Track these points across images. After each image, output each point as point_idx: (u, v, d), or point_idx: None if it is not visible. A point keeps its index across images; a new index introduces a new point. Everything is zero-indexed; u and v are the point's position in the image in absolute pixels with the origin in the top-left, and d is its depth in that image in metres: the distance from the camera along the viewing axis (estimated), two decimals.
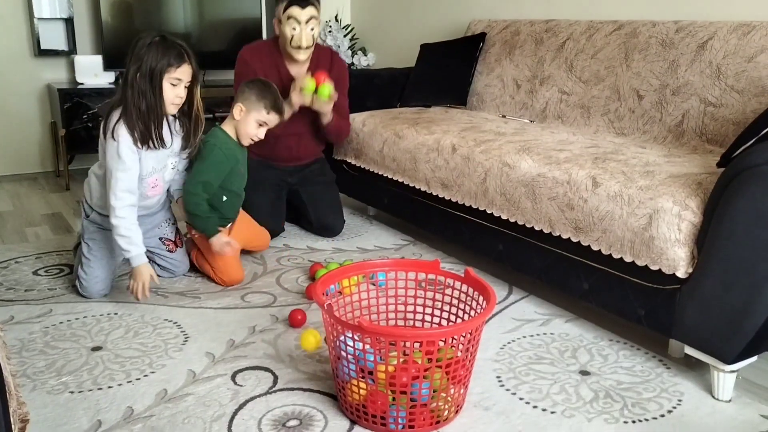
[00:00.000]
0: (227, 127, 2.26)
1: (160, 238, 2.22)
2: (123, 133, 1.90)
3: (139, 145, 1.93)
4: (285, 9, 2.48)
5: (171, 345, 1.82)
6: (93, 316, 1.99)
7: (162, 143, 1.98)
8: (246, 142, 2.28)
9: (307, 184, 2.76)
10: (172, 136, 2.06)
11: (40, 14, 3.55)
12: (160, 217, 2.23)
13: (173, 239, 2.25)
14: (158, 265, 2.23)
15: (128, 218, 1.96)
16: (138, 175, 1.97)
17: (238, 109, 2.22)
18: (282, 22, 2.51)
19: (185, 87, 1.95)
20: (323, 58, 2.68)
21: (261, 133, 2.26)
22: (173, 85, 1.92)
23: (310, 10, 2.47)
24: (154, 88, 1.89)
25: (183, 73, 1.92)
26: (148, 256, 2.05)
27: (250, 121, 2.22)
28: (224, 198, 2.25)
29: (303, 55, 2.54)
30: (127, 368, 1.69)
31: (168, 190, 2.22)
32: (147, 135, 1.93)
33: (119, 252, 2.01)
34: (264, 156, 2.64)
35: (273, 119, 2.25)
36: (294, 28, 2.48)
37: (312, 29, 2.51)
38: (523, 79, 2.87)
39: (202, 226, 2.19)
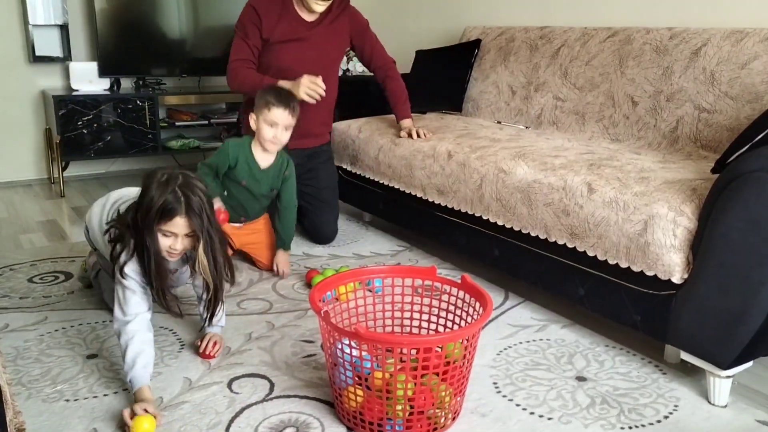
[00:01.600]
0: (254, 138, 2.31)
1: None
2: (134, 269, 1.63)
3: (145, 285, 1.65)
4: None
5: (167, 352, 1.81)
6: (88, 324, 1.98)
7: (164, 298, 1.66)
8: (270, 148, 2.27)
9: (312, 180, 2.68)
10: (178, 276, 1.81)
11: (35, 21, 3.54)
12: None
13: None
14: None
15: (136, 341, 1.59)
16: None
17: (252, 120, 2.26)
18: None
19: (185, 236, 1.60)
20: (334, 9, 2.63)
21: (279, 134, 2.23)
22: (166, 236, 1.60)
23: None
24: (153, 241, 1.59)
25: (176, 226, 1.58)
26: None
27: (262, 126, 2.24)
28: (225, 193, 2.31)
29: (320, 7, 2.52)
30: (122, 376, 1.68)
31: None
32: (152, 285, 1.64)
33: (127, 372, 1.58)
34: None
35: (280, 114, 2.20)
36: None
37: None
38: (518, 85, 2.88)
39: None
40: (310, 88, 2.41)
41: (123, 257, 1.62)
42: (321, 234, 2.73)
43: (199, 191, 1.59)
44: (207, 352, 1.77)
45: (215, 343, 1.80)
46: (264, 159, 2.31)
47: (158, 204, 1.55)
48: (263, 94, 2.24)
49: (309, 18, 2.60)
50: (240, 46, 2.55)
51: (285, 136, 2.26)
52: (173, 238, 1.60)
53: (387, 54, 2.83)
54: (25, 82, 3.68)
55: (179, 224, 1.58)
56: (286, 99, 2.24)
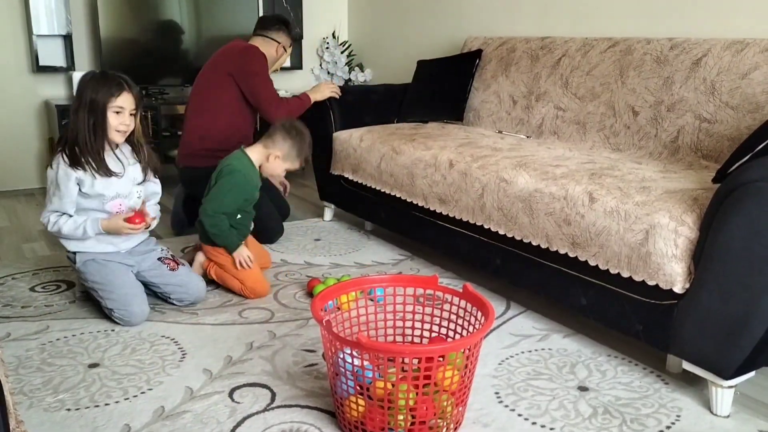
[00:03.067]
0: (253, 154, 2.34)
1: (159, 259, 2.17)
2: (60, 161, 1.99)
3: (78, 169, 1.99)
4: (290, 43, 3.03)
5: (168, 361, 1.81)
6: (90, 333, 1.98)
7: (104, 169, 2.02)
8: (266, 175, 2.42)
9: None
10: (125, 165, 2.09)
11: (39, 31, 3.57)
12: (151, 241, 2.22)
13: (172, 258, 2.21)
14: (168, 294, 2.15)
15: (60, 221, 2.02)
16: (98, 199, 2.04)
17: (273, 156, 2.33)
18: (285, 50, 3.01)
19: (130, 114, 2.02)
20: None
21: (283, 175, 2.45)
22: (117, 113, 1.99)
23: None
24: (96, 118, 1.97)
25: (125, 100, 1.99)
26: (151, 291, 2.17)
27: (279, 167, 2.36)
28: (239, 216, 2.32)
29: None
30: (124, 385, 1.69)
31: None
32: (88, 162, 1.99)
33: (84, 236, 2.04)
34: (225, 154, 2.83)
35: (298, 165, 2.40)
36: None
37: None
38: (519, 95, 2.89)
39: (225, 241, 2.27)
40: (332, 90, 3.03)
41: (58, 152, 1.99)
42: (271, 228, 2.83)
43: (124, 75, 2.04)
44: (135, 220, 2.04)
45: (142, 214, 2.07)
46: (262, 173, 2.43)
47: (108, 86, 1.96)
48: (302, 149, 2.36)
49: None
50: (270, 86, 2.87)
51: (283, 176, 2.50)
52: (121, 115, 1.99)
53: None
54: (29, 92, 3.70)
55: (127, 99, 1.99)
56: (309, 150, 2.40)
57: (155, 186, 2.21)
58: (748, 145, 1.68)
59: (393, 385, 1.39)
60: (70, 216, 2.03)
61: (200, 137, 2.81)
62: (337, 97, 3.03)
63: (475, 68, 3.13)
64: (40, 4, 3.55)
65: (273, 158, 2.33)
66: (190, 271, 2.25)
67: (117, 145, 2.08)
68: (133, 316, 2.00)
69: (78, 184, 2.00)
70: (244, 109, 2.86)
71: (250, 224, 2.42)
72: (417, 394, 1.38)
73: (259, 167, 2.36)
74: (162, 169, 2.24)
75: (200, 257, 2.38)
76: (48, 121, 3.73)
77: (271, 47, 2.94)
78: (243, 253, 2.27)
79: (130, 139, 2.09)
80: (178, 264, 2.20)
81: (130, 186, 2.10)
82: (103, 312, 2.10)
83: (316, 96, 3.00)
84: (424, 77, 3.26)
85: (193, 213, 2.50)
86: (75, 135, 1.99)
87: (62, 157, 1.99)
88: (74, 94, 2.04)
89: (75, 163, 1.98)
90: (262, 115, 2.90)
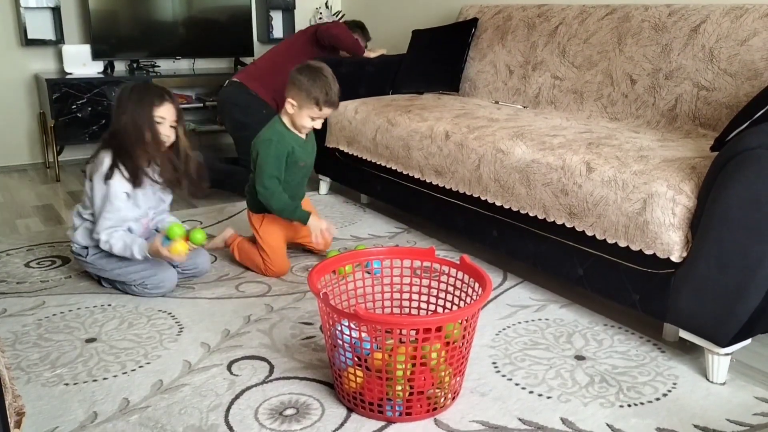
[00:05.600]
0: (284, 116, 2.19)
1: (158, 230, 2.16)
2: (116, 175, 1.95)
3: (132, 184, 1.97)
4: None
5: (166, 336, 1.81)
6: (87, 308, 1.98)
7: (150, 179, 2.01)
8: (303, 132, 2.22)
9: None
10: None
11: (27, 3, 3.49)
12: (163, 210, 2.19)
13: None
14: (176, 268, 2.12)
15: (116, 235, 1.97)
16: (132, 217, 2.02)
17: (289, 105, 2.14)
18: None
19: (171, 126, 2.00)
20: None
21: (317, 125, 2.19)
22: (158, 123, 1.97)
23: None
24: (141, 129, 1.94)
25: (165, 111, 1.97)
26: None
27: (303, 117, 2.14)
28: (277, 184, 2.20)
29: None
30: (122, 359, 1.69)
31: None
32: (139, 173, 1.97)
33: (131, 257, 1.98)
34: (273, 101, 3.09)
35: (327, 113, 2.15)
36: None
37: None
38: (516, 64, 2.85)
39: (293, 215, 2.18)
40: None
41: (106, 159, 1.96)
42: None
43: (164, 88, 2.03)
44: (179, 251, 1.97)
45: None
46: (300, 133, 2.24)
47: (150, 97, 1.95)
48: (312, 87, 2.08)
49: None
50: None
51: (320, 124, 2.21)
52: (162, 126, 1.97)
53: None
54: (18, 66, 3.64)
55: (169, 109, 1.98)
56: (336, 98, 2.13)
57: (170, 197, 2.19)
58: (747, 112, 1.66)
59: (390, 356, 1.39)
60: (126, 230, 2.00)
61: (268, 71, 3.12)
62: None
63: (471, 37, 3.09)
64: None
65: (290, 107, 2.13)
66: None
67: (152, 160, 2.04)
68: (166, 281, 2.03)
69: (126, 196, 1.99)
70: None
71: (294, 197, 2.26)
72: (414, 365, 1.38)
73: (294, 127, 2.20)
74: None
75: (226, 233, 2.36)
76: (38, 95, 3.68)
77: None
78: (321, 224, 2.19)
79: (176, 152, 2.05)
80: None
81: (158, 198, 2.11)
82: (99, 286, 2.10)
83: (371, 54, 3.32)
84: (419, 47, 3.21)
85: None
86: (122, 146, 1.95)
87: (118, 170, 1.95)
88: (116, 107, 1.99)
89: (134, 177, 1.97)
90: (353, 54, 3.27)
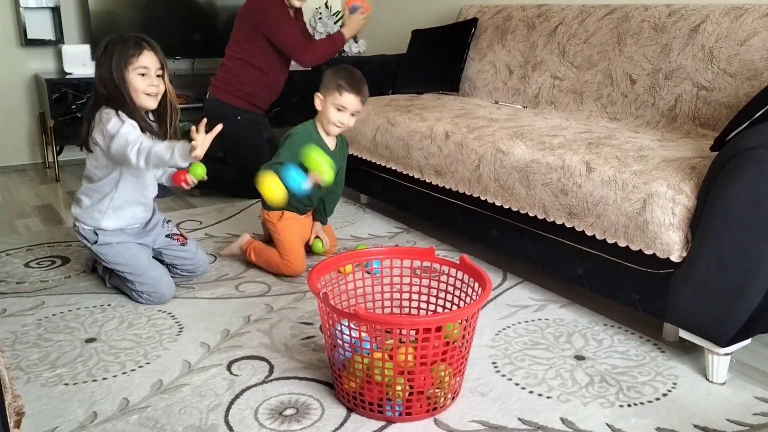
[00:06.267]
0: (318, 118, 2.19)
1: (167, 236, 2.13)
2: (126, 118, 1.84)
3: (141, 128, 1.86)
4: None
5: (165, 336, 1.81)
6: (86, 308, 1.98)
7: (156, 134, 1.91)
8: (332, 131, 2.19)
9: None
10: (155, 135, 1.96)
11: (26, 3, 3.50)
12: (158, 218, 2.14)
13: (179, 233, 2.17)
14: (175, 266, 2.12)
15: (147, 142, 1.79)
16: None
17: (318, 100, 2.15)
18: None
19: (157, 76, 1.88)
20: None
21: (345, 119, 2.15)
22: (142, 74, 1.85)
23: None
24: (124, 84, 1.84)
25: (147, 60, 1.85)
26: (160, 260, 2.09)
27: (329, 108, 2.13)
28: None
29: (298, 3, 2.95)
30: (121, 359, 1.68)
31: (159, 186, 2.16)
32: (140, 123, 1.87)
33: (170, 160, 1.76)
34: (251, 103, 3.04)
35: (351, 100, 2.11)
36: None
37: None
38: (516, 64, 2.85)
39: (288, 163, 1.97)
40: (366, 17, 2.84)
41: (107, 111, 1.84)
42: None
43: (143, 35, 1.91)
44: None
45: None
46: (330, 141, 2.23)
47: (126, 48, 1.83)
48: (335, 76, 2.11)
49: (292, 12, 3.04)
50: (293, 31, 2.92)
51: (351, 122, 2.17)
52: (148, 77, 1.85)
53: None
54: (18, 66, 3.64)
55: (150, 58, 1.86)
56: (359, 85, 2.13)
57: None
58: (747, 112, 1.67)
59: (390, 357, 1.39)
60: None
61: (233, 78, 3.02)
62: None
63: (471, 37, 3.09)
64: None
65: (318, 103, 2.14)
66: (197, 244, 2.22)
67: (148, 113, 1.94)
68: (164, 297, 1.99)
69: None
70: (276, 60, 3.01)
71: (310, 198, 2.23)
72: (414, 365, 1.38)
73: (324, 128, 2.19)
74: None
75: (242, 239, 2.33)
76: (38, 95, 3.68)
77: None
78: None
79: (162, 104, 1.94)
80: (186, 238, 2.18)
81: None
82: (99, 287, 2.10)
83: (350, 32, 2.93)
84: (419, 47, 3.22)
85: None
86: (115, 102, 1.84)
87: (123, 114, 1.84)
88: (95, 66, 1.87)
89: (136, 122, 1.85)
90: (295, 61, 3.02)
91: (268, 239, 2.35)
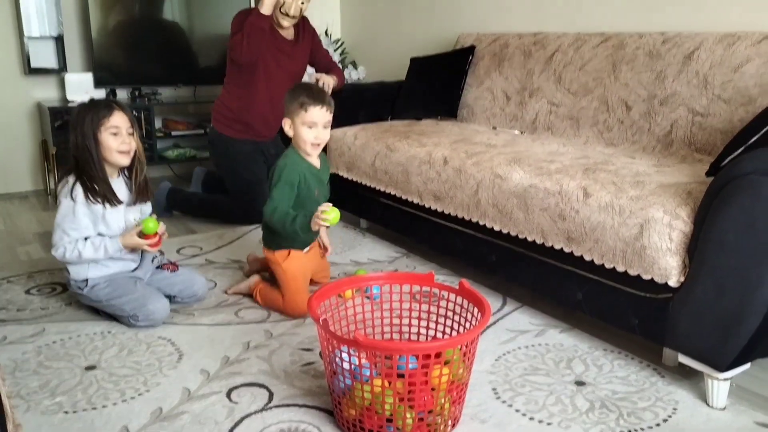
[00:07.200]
0: (293, 144, 2.15)
1: (158, 267, 2.18)
2: (79, 193, 1.96)
3: (96, 202, 1.97)
4: None
5: (165, 363, 1.81)
6: (86, 335, 1.98)
7: (116, 199, 2.01)
8: (311, 151, 2.11)
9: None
10: (128, 189, 2.09)
11: (30, 33, 3.55)
12: (147, 257, 2.17)
13: (169, 262, 2.21)
14: (174, 295, 2.15)
15: (81, 243, 1.98)
16: (106, 229, 2.03)
17: (287, 126, 2.10)
18: None
19: (128, 134, 1.99)
20: (301, 25, 3.11)
21: (319, 134, 2.07)
22: (114, 134, 1.96)
23: None
24: (96, 145, 1.95)
25: (118, 119, 1.96)
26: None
27: (300, 128, 2.07)
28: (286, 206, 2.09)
29: (287, 23, 2.99)
30: (121, 387, 1.68)
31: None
32: (102, 194, 1.98)
33: (104, 256, 2.00)
34: (244, 132, 3.07)
35: (318, 113, 2.05)
36: None
37: (302, 3, 2.95)
38: (513, 91, 2.89)
39: (294, 227, 2.00)
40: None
41: (70, 179, 1.97)
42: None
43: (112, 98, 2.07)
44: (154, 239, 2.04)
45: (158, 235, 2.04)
46: (314, 160, 2.17)
47: (97, 110, 1.94)
48: (295, 96, 2.06)
49: (289, 37, 3.07)
50: (236, 36, 2.92)
51: (326, 135, 2.10)
52: (120, 136, 1.96)
53: (331, 58, 3.34)
54: (21, 94, 3.68)
55: (120, 118, 1.96)
56: (321, 95, 2.07)
57: (148, 206, 2.17)
58: (741, 138, 1.69)
59: (390, 383, 1.39)
60: (85, 239, 1.99)
61: (223, 107, 3.10)
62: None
63: (469, 65, 3.14)
64: (30, 6, 3.54)
65: (288, 128, 2.09)
66: (190, 269, 2.24)
67: (120, 171, 2.06)
68: (156, 312, 1.99)
69: (91, 216, 1.99)
70: (250, 82, 3.02)
71: (307, 229, 2.05)
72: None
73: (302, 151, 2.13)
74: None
75: (251, 280, 2.29)
76: (41, 123, 3.72)
77: None
78: (318, 218, 1.94)
79: (132, 160, 2.05)
80: (176, 266, 2.21)
81: (127, 216, 2.07)
82: (99, 314, 2.10)
83: (264, 5, 2.82)
84: (418, 74, 3.26)
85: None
86: (82, 168, 1.96)
87: (79, 189, 1.96)
88: (70, 129, 2.00)
89: (93, 195, 1.97)
90: (237, 62, 2.98)
91: (260, 269, 2.36)
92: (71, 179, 1.98)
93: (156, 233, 2.03)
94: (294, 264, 2.15)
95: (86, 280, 2.04)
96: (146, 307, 1.99)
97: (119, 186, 2.06)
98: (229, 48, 2.98)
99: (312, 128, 2.07)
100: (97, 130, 1.94)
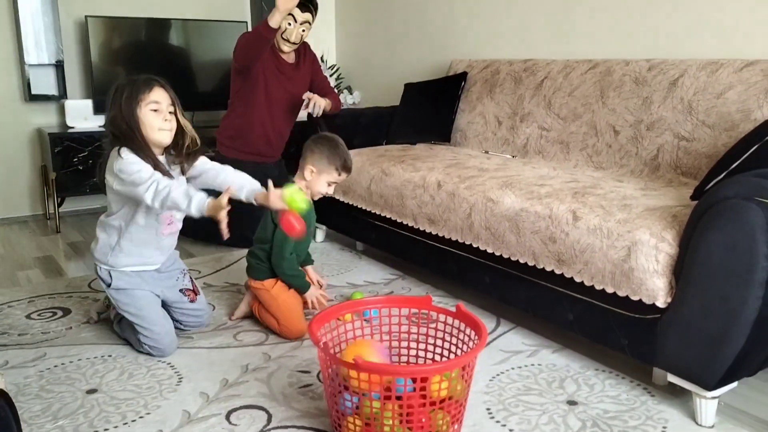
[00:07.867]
0: (298, 179, 2.24)
1: (181, 290, 2.15)
2: (129, 152, 1.85)
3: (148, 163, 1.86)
4: None
5: (165, 386, 1.84)
6: (87, 359, 2.01)
7: (166, 171, 1.91)
8: (317, 198, 2.27)
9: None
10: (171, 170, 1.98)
11: (30, 60, 3.61)
12: (177, 268, 2.17)
13: (192, 288, 2.19)
14: (180, 321, 2.16)
15: (164, 183, 1.81)
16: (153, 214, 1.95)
17: (308, 171, 2.20)
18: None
19: (170, 112, 1.89)
20: (302, 51, 3.17)
21: (331, 190, 2.27)
22: (154, 110, 1.85)
23: (306, 15, 2.96)
24: (134, 123, 1.84)
25: (158, 95, 1.86)
26: (167, 310, 2.09)
27: (321, 182, 2.21)
28: (291, 253, 2.22)
29: (287, 48, 3.04)
30: (122, 410, 1.71)
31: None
32: (152, 160, 1.86)
33: (187, 208, 1.78)
34: (246, 152, 3.09)
35: (344, 178, 2.26)
36: (289, 23, 2.94)
37: (303, 30, 2.99)
38: (504, 116, 2.96)
39: (298, 283, 2.21)
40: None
41: (115, 150, 1.85)
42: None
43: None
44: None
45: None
46: (314, 198, 2.29)
47: (137, 86, 1.84)
48: (332, 157, 2.19)
49: (290, 60, 3.11)
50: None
51: (332, 191, 2.28)
52: (160, 113, 1.86)
53: (330, 84, 3.36)
54: (21, 121, 3.73)
55: (161, 94, 1.87)
56: (351, 165, 2.25)
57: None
58: (724, 162, 1.75)
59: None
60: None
61: (223, 126, 3.17)
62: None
63: (461, 90, 3.21)
64: (31, 34, 3.60)
65: (309, 174, 2.20)
66: (205, 301, 2.24)
67: (164, 151, 1.94)
68: (165, 353, 2.01)
69: None
70: (251, 97, 3.06)
71: (304, 257, 2.35)
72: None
73: (309, 192, 2.24)
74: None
75: (247, 297, 2.32)
76: (41, 148, 3.76)
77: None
78: (314, 293, 2.23)
79: (179, 141, 1.93)
80: (196, 294, 2.19)
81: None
82: (100, 338, 2.13)
83: (273, 18, 2.71)
84: (412, 100, 3.33)
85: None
86: (123, 142, 1.84)
87: (127, 150, 1.83)
88: (108, 108, 1.88)
89: (144, 158, 1.84)
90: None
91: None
92: (122, 149, 1.84)
93: (299, 216, 1.82)
94: (283, 288, 2.20)
95: (111, 275, 1.99)
96: (159, 348, 1.99)
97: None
98: (233, 54, 2.97)
99: (331, 186, 2.26)
100: (137, 106, 1.83)
